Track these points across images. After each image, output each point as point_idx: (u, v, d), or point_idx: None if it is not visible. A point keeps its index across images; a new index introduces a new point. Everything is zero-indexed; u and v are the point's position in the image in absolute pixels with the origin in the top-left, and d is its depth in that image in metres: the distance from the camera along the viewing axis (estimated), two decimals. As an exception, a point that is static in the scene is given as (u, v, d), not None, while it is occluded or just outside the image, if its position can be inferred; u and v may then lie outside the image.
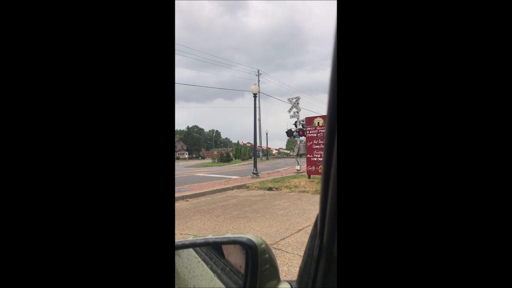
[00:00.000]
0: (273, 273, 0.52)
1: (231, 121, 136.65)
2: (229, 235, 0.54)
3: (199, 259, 0.84)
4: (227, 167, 19.13)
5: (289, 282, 0.53)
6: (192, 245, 0.58)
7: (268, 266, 0.51)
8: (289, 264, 2.48)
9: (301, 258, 0.44)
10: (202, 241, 0.56)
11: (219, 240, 0.57)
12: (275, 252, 2.82)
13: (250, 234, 0.53)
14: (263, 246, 0.51)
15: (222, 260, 0.75)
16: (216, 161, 27.73)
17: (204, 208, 5.07)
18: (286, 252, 2.83)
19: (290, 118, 11.08)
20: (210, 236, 0.56)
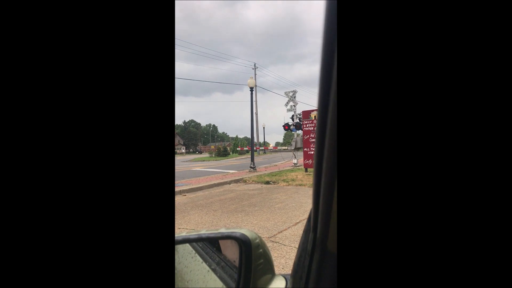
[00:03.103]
0: (268, 268, 0.52)
1: (228, 115, 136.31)
2: (223, 230, 0.54)
3: (196, 254, 0.84)
4: (225, 161, 19.16)
5: (284, 276, 0.53)
6: (185, 241, 0.57)
7: (262, 260, 0.50)
8: (287, 257, 2.50)
9: (297, 251, 0.44)
10: (196, 236, 0.56)
11: (213, 235, 0.57)
12: (273, 245, 2.85)
13: (245, 229, 0.52)
14: (257, 240, 0.51)
15: (219, 255, 0.75)
16: (213, 155, 27.75)
17: (201, 203, 5.08)
18: (284, 245, 2.85)
19: (287, 111, 11.08)
20: (204, 232, 0.55)
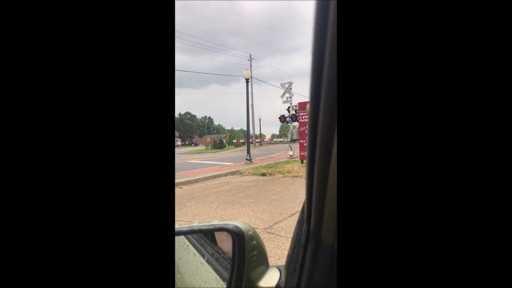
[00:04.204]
0: (262, 259, 0.52)
1: (224, 107, 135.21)
2: (216, 222, 0.53)
3: (191, 246, 0.84)
4: (221, 153, 19.17)
5: (278, 268, 0.53)
6: (177, 233, 0.57)
7: (256, 252, 0.50)
8: (283, 248, 2.53)
9: (293, 242, 0.44)
10: (187, 229, 0.55)
11: (205, 227, 0.56)
12: (269, 236, 2.87)
13: (238, 221, 0.51)
14: (251, 232, 0.50)
15: (214, 248, 0.75)
16: (209, 147, 27.76)
17: (198, 195, 5.09)
18: (280, 236, 2.88)
19: (283, 103, 11.03)
20: (196, 224, 0.55)
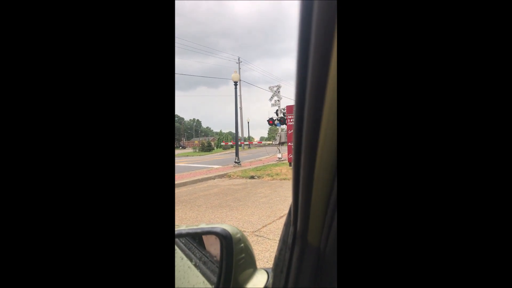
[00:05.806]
0: (250, 262, 0.52)
1: (213, 110, 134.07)
2: (203, 225, 0.53)
3: (178, 250, 0.83)
4: (209, 156, 19.02)
5: (266, 270, 0.53)
6: None
7: (243, 255, 0.50)
8: (271, 251, 2.53)
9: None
10: (175, 232, 0.55)
11: (192, 231, 0.56)
12: (257, 239, 2.87)
13: (225, 224, 0.52)
14: (238, 235, 0.50)
15: (202, 251, 0.75)
16: (197, 150, 27.51)
17: (185, 198, 5.03)
18: (268, 238, 2.88)
19: (272, 106, 11.09)
20: (183, 228, 0.54)
